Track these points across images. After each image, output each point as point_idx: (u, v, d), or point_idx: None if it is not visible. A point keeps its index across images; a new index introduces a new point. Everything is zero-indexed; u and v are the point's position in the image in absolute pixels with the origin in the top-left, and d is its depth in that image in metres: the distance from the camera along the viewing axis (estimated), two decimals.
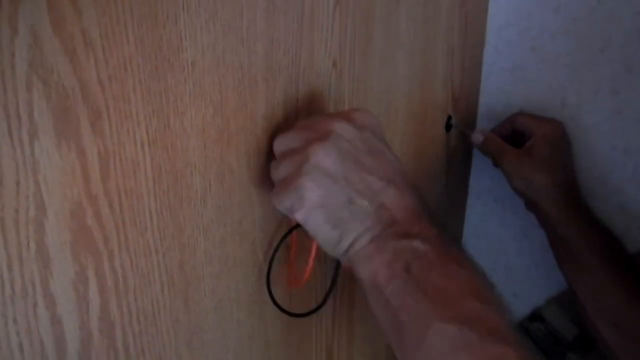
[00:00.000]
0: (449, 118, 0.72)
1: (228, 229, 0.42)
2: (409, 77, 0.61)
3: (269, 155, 0.43)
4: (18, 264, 0.29)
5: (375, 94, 0.55)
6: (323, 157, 0.37)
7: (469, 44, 0.73)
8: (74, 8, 0.29)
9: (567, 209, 0.64)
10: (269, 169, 0.41)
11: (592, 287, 0.62)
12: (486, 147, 0.70)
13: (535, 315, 0.77)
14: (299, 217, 0.38)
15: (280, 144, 0.41)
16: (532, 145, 0.66)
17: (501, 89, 0.77)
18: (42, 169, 0.29)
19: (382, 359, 0.70)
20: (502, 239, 0.81)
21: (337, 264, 0.45)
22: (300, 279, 0.45)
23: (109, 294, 0.34)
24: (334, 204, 0.38)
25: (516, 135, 0.70)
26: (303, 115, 0.46)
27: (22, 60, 0.27)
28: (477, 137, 0.71)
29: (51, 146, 0.29)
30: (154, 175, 0.35)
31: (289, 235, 0.45)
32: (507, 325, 0.34)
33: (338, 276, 0.45)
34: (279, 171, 0.40)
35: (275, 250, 0.45)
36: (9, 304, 0.29)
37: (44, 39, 0.28)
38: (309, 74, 0.46)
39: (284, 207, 0.39)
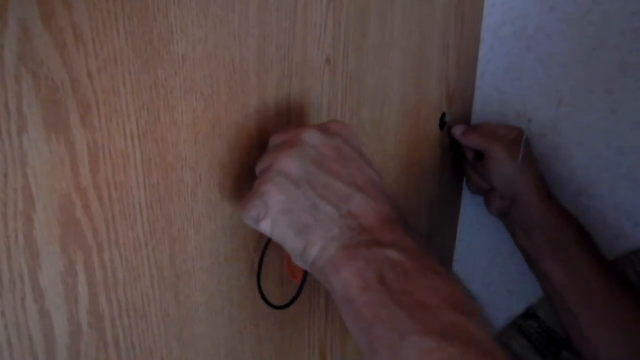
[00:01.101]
0: (443, 116, 0.72)
1: (219, 223, 0.42)
2: (404, 74, 0.61)
3: (261, 150, 0.43)
4: (6, 257, 0.29)
5: (370, 91, 0.55)
6: (286, 163, 0.37)
7: (464, 42, 0.73)
8: (64, 1, 0.29)
9: (549, 200, 0.66)
10: (242, 209, 0.40)
11: (578, 281, 0.62)
12: (470, 137, 0.70)
13: (530, 314, 0.77)
14: (264, 226, 0.37)
15: (259, 166, 0.40)
16: (510, 143, 0.67)
17: (496, 88, 0.77)
18: (31, 162, 0.29)
19: None
20: (497, 238, 0.81)
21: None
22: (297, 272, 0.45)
23: (98, 288, 0.34)
24: (297, 209, 0.36)
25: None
26: (295, 111, 0.46)
27: (11, 53, 0.27)
28: (458, 129, 0.72)
29: (40, 139, 0.29)
30: (144, 168, 0.35)
31: None
32: (489, 339, 0.32)
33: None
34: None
35: (266, 245, 0.45)
36: None
37: (33, 32, 0.28)
38: (302, 69, 0.46)
39: (250, 218, 0.37)
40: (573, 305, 0.62)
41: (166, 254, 0.38)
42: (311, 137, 0.38)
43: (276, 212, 0.36)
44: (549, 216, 0.65)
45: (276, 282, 0.49)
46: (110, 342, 0.36)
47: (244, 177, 0.43)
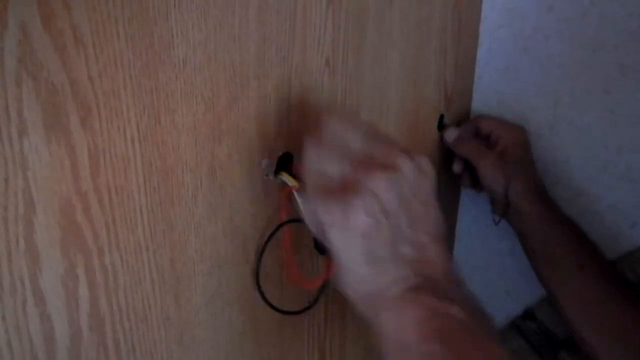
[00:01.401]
0: (442, 117, 0.72)
1: (219, 226, 0.42)
2: (402, 76, 0.61)
3: (261, 153, 0.43)
4: (7, 260, 0.29)
5: (368, 93, 0.55)
6: (384, 189, 0.35)
7: (462, 44, 0.73)
8: (64, 4, 0.29)
9: (544, 211, 0.66)
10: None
11: (571, 291, 0.62)
12: (461, 147, 0.70)
13: (528, 314, 0.78)
14: (333, 235, 0.35)
15: (338, 136, 0.38)
16: (506, 149, 0.67)
17: (494, 89, 0.77)
18: (31, 166, 0.29)
19: (375, 357, 0.70)
20: (495, 239, 0.81)
21: (330, 261, 0.44)
22: (300, 275, 0.44)
23: (98, 291, 0.34)
24: (377, 239, 0.35)
25: (480, 137, 0.71)
26: (295, 113, 0.46)
27: (11, 56, 0.27)
28: (451, 133, 0.71)
29: (40, 142, 0.29)
30: (144, 172, 0.35)
31: (279, 232, 0.44)
32: None
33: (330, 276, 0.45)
34: (329, 168, 0.37)
35: (264, 247, 0.45)
36: None
37: (33, 35, 0.28)
38: (301, 72, 0.46)
39: (322, 217, 0.36)
40: (570, 309, 0.62)
41: (166, 257, 0.38)
42: (409, 169, 0.37)
43: (354, 230, 0.35)
44: (542, 223, 0.65)
45: (275, 284, 0.49)
46: (111, 345, 0.36)
47: (245, 179, 0.43)
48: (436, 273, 0.35)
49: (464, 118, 0.79)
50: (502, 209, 0.68)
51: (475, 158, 0.68)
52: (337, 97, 0.51)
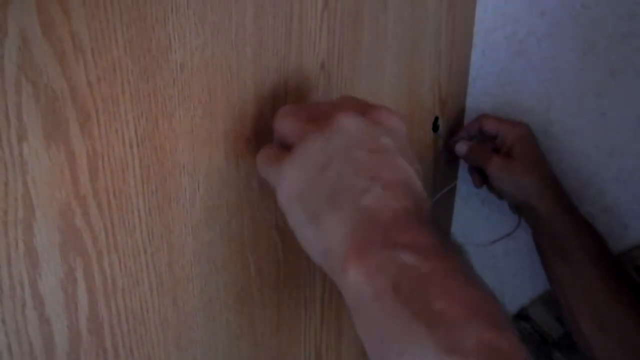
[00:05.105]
0: (436, 119, 0.73)
1: (217, 230, 0.42)
2: (397, 79, 0.62)
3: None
4: (6, 264, 0.29)
5: (363, 96, 0.56)
6: (313, 147, 0.35)
7: (456, 47, 0.74)
8: (64, 11, 0.29)
9: (556, 206, 0.66)
10: (258, 162, 0.39)
11: (581, 286, 0.63)
12: (470, 156, 0.72)
13: (522, 315, 0.78)
14: (279, 198, 0.36)
15: (287, 118, 0.38)
16: (511, 148, 0.68)
17: (488, 92, 0.78)
18: (30, 170, 0.30)
19: None
20: (489, 240, 0.82)
21: None
22: None
23: (97, 294, 0.34)
24: (312, 196, 0.34)
25: (483, 137, 0.72)
26: None
27: (11, 63, 0.28)
28: (461, 148, 0.73)
29: (40, 147, 0.30)
30: (142, 175, 0.35)
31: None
32: (523, 356, 0.28)
33: None
34: (278, 135, 0.38)
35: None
36: None
37: (33, 42, 0.28)
38: (297, 76, 0.46)
39: (268, 179, 0.37)
40: (576, 305, 0.62)
41: (164, 260, 0.38)
42: (350, 122, 0.36)
43: (289, 191, 0.35)
44: (553, 218, 0.65)
45: (272, 286, 0.49)
46: (109, 348, 0.36)
47: (242, 183, 0.43)
48: (382, 217, 0.32)
49: (459, 122, 0.80)
50: (516, 208, 0.69)
51: (482, 164, 0.69)
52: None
